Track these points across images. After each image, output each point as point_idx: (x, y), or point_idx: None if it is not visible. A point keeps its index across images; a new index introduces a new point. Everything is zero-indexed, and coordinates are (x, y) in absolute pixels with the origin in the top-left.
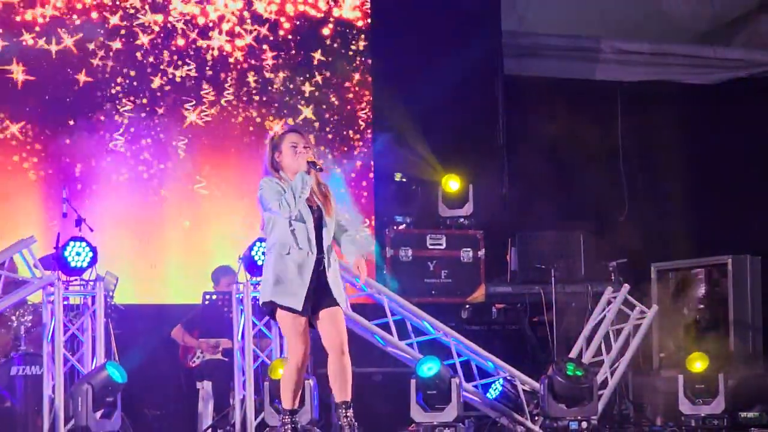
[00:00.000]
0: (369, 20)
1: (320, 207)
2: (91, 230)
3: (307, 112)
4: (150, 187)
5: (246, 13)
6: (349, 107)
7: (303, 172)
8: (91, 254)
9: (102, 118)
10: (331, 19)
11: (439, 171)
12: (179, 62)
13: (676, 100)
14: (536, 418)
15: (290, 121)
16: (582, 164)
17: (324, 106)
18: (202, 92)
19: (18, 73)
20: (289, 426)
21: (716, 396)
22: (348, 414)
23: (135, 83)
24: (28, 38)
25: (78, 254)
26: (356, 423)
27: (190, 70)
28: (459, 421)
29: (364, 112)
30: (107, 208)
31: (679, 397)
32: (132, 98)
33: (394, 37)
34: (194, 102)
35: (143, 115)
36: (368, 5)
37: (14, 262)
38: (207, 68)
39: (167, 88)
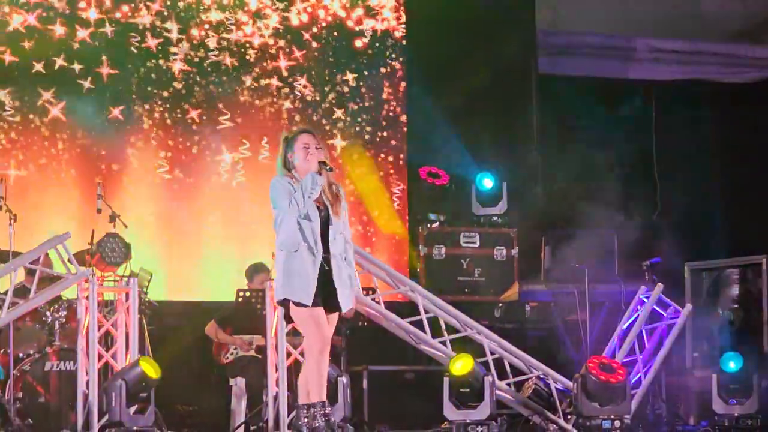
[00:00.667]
0: (403, 20)
1: (327, 206)
2: (126, 226)
3: (341, 111)
4: (185, 183)
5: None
6: (383, 105)
7: (314, 172)
8: (125, 250)
9: (137, 112)
10: (365, 23)
11: (473, 169)
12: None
13: (711, 98)
14: (569, 416)
15: None
16: (616, 163)
17: (359, 104)
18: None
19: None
20: (323, 419)
21: (750, 396)
22: (328, 411)
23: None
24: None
25: (112, 250)
26: (334, 420)
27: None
28: (492, 419)
29: (397, 109)
30: (142, 204)
31: (713, 397)
32: (168, 104)
33: (428, 35)
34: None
35: (178, 113)
36: (402, 7)
37: (49, 258)
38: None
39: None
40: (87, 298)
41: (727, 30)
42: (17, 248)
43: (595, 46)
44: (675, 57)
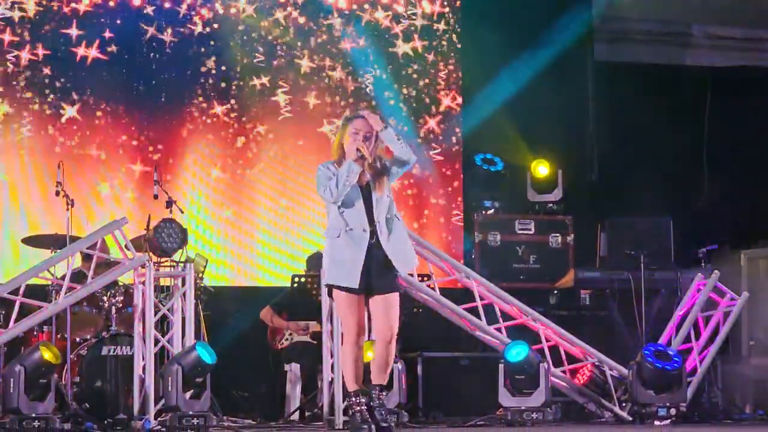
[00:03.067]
0: (458, 6)
1: (370, 184)
2: (182, 212)
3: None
4: (240, 169)
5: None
6: (438, 91)
7: (351, 161)
8: (181, 236)
9: (195, 101)
10: (419, 8)
11: (528, 156)
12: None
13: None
14: (624, 404)
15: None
16: (672, 150)
17: (412, 89)
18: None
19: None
20: (359, 408)
21: None
22: (381, 396)
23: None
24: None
25: (169, 236)
26: (386, 405)
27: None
28: (547, 406)
29: (453, 96)
30: (198, 190)
31: None
32: (226, 81)
33: (484, 21)
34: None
35: (235, 96)
36: None
37: (106, 243)
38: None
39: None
40: (143, 283)
41: None
42: (74, 233)
43: (652, 32)
44: (732, 44)
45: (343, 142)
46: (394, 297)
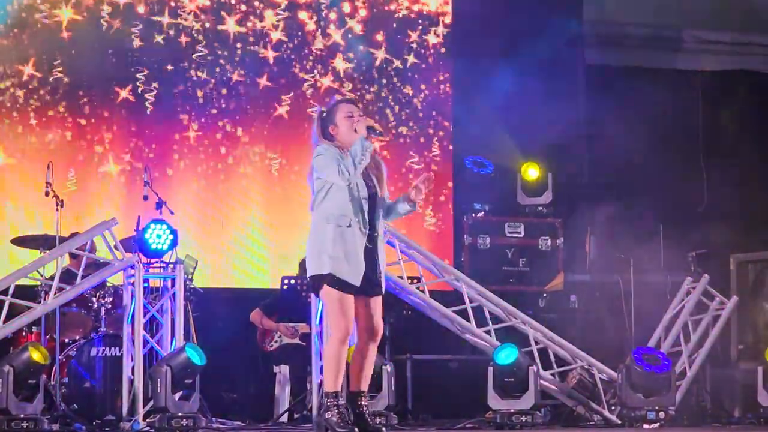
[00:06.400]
0: (450, 8)
1: (374, 181)
2: (172, 213)
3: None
4: (231, 171)
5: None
6: (428, 93)
7: (362, 137)
8: (171, 237)
9: (182, 101)
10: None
11: (518, 159)
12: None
13: (758, 90)
14: (613, 407)
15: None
16: (662, 154)
17: (402, 91)
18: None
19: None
20: (335, 410)
21: None
22: (363, 403)
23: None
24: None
25: (158, 237)
26: (369, 411)
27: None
28: (536, 409)
29: (443, 98)
30: (188, 192)
31: (758, 390)
32: (214, 83)
33: (475, 24)
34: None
35: (223, 98)
36: None
37: (95, 244)
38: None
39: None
40: (133, 284)
41: None
42: (64, 234)
43: (642, 36)
44: (722, 48)
45: (333, 132)
46: (380, 299)
